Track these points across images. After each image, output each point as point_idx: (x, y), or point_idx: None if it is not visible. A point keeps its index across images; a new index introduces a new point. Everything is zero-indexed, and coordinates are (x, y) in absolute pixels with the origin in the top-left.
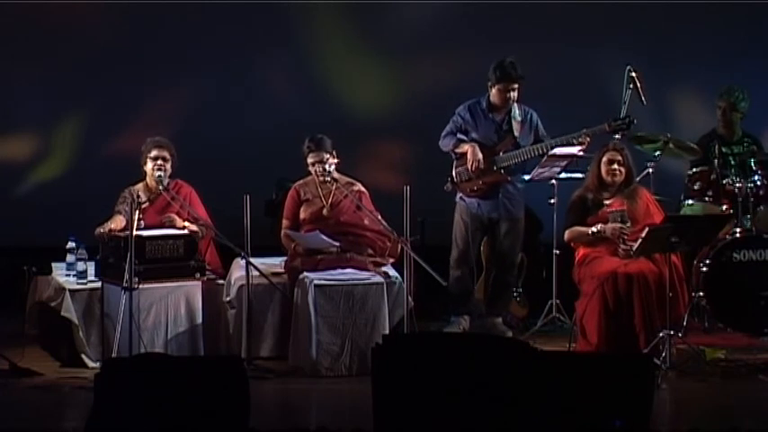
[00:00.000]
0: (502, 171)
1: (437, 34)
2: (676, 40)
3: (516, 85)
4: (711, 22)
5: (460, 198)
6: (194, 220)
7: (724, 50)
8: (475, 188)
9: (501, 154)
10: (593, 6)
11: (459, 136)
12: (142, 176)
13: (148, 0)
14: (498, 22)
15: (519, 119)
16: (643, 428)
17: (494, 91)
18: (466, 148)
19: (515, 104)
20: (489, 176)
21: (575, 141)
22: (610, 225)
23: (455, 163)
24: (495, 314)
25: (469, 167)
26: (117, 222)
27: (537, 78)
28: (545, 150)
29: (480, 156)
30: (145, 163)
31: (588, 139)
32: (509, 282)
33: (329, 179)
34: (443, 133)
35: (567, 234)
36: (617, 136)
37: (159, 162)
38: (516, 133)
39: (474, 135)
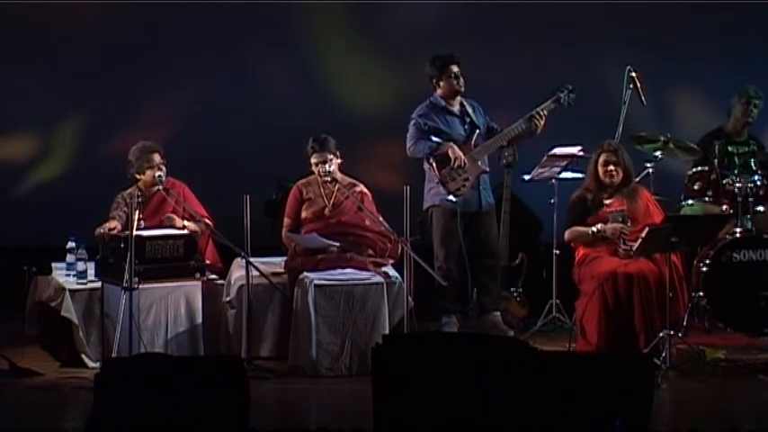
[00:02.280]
0: (479, 163)
1: (437, 34)
2: (676, 40)
3: (457, 68)
4: (712, 21)
5: (446, 200)
6: (191, 217)
7: (724, 50)
8: (466, 185)
9: (473, 147)
10: (593, 6)
11: (435, 139)
12: (133, 182)
13: (148, 0)
14: (498, 23)
15: (470, 110)
16: (643, 428)
17: (442, 83)
18: (446, 149)
19: (461, 98)
20: (473, 172)
21: (535, 121)
22: (610, 225)
23: (436, 166)
24: (492, 309)
25: (455, 166)
26: (114, 224)
27: (536, 78)
28: (514, 134)
29: (461, 153)
30: (141, 172)
31: (545, 115)
32: (495, 271)
33: (330, 179)
34: (412, 141)
35: (567, 234)
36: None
37: (160, 166)
38: (478, 123)
39: (445, 135)
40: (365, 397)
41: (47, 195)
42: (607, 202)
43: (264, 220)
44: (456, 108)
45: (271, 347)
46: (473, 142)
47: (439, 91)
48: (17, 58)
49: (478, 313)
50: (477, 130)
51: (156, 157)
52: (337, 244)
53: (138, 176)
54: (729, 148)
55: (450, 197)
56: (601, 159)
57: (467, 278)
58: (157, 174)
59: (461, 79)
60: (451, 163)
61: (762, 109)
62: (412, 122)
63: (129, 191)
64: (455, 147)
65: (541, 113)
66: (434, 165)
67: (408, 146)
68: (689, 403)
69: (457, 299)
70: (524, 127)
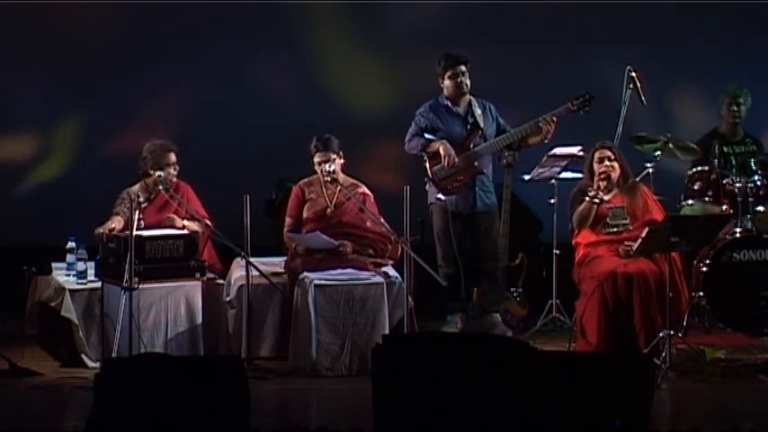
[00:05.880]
0: (476, 164)
1: (437, 34)
2: (677, 40)
3: (464, 68)
4: (712, 21)
5: (436, 198)
6: (191, 217)
7: (725, 50)
8: (455, 184)
9: (472, 147)
10: (593, 6)
11: (428, 136)
12: (140, 177)
13: (148, 0)
14: (498, 22)
15: (479, 111)
16: (643, 428)
17: (446, 83)
18: (437, 146)
19: (472, 98)
20: (466, 171)
21: (541, 125)
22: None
23: (429, 163)
24: (492, 310)
25: (445, 164)
26: (116, 222)
27: (537, 79)
28: (516, 138)
29: (453, 151)
30: (159, 168)
31: (554, 121)
32: (496, 275)
33: (331, 180)
34: (408, 137)
35: (573, 220)
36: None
37: (175, 166)
38: (482, 125)
39: (442, 133)
40: (365, 397)
41: (47, 195)
42: (606, 198)
43: (264, 220)
44: (461, 108)
45: (271, 347)
46: (472, 143)
47: (444, 90)
48: (17, 58)
49: (478, 313)
50: (479, 131)
51: (172, 156)
52: (337, 243)
53: (150, 172)
54: (725, 149)
55: (440, 195)
56: (596, 157)
57: (460, 278)
58: (172, 171)
59: (467, 80)
60: (441, 160)
61: (749, 106)
62: (415, 118)
63: (134, 187)
64: (447, 145)
65: (548, 119)
66: (427, 162)
67: (405, 141)
68: (689, 403)
69: (455, 298)
70: (529, 131)
